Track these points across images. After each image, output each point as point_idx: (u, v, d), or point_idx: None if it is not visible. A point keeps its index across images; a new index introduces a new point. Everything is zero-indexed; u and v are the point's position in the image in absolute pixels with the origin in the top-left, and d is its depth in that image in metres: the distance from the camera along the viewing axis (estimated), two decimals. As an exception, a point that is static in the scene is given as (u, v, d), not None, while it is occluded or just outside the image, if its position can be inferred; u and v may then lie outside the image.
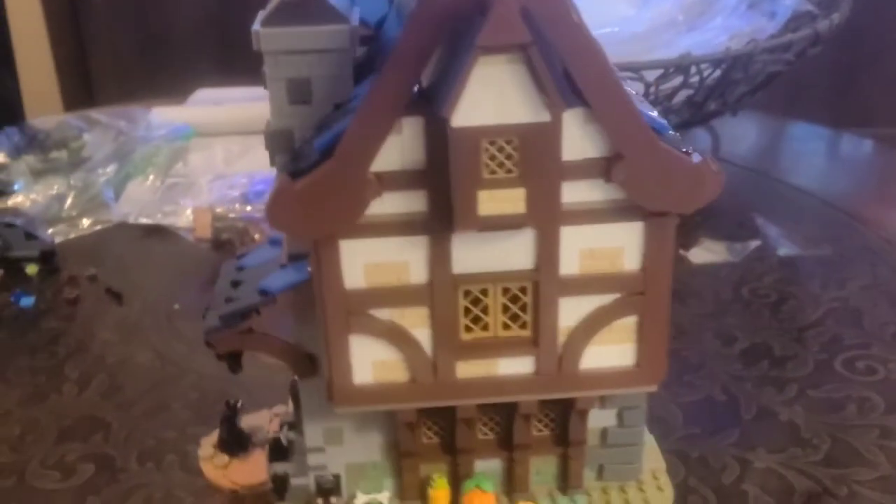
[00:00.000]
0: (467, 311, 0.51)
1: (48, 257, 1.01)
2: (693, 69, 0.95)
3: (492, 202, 0.46)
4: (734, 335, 0.82)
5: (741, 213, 1.07)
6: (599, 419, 0.56)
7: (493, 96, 0.44)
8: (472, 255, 0.49)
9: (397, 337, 0.51)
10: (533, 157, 0.45)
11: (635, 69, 0.92)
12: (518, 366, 0.52)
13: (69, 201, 1.14)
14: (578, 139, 0.47)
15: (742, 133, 1.34)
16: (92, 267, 0.99)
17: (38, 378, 0.80)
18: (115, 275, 0.98)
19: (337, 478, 0.58)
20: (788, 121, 1.45)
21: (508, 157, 0.45)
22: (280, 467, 0.59)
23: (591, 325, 0.51)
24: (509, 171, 0.46)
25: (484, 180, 0.46)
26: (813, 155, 1.34)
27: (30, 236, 1.02)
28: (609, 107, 0.46)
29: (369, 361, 0.52)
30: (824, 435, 0.69)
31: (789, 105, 1.25)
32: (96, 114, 1.35)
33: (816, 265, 0.95)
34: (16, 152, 1.24)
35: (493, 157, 0.45)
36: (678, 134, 0.50)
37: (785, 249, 0.98)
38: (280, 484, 0.60)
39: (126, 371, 0.81)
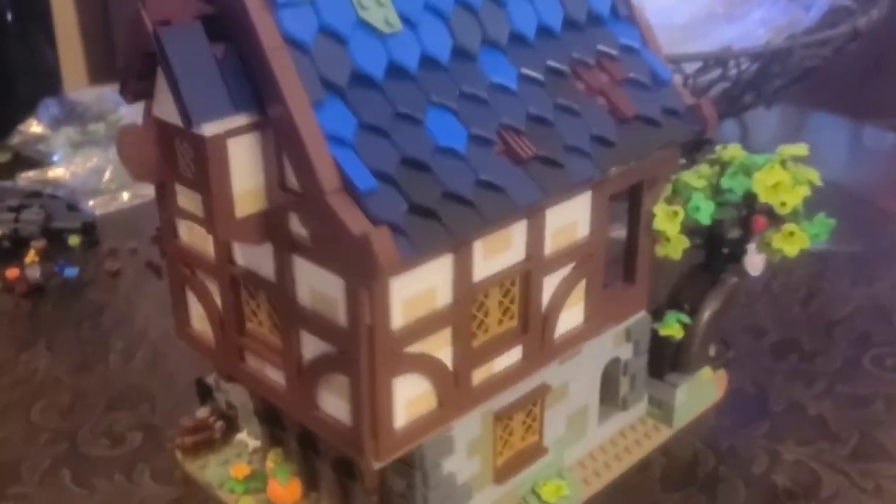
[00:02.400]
0: (247, 303, 0.54)
1: (89, 229, 1.03)
2: (732, 62, 0.95)
3: (185, 198, 0.48)
4: (764, 328, 0.84)
5: (771, 206, 1.08)
6: (395, 480, 0.55)
7: (170, 98, 0.45)
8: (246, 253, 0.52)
9: (205, 297, 0.55)
10: (201, 167, 0.45)
11: (675, 61, 0.92)
12: (274, 372, 0.53)
13: (107, 175, 1.16)
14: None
15: (764, 122, 1.34)
16: (132, 240, 1.01)
17: (85, 348, 0.83)
18: (154, 249, 1.00)
19: (235, 409, 0.64)
20: (809, 110, 1.44)
21: (192, 159, 0.46)
22: (210, 378, 0.67)
23: (318, 366, 0.50)
24: (193, 173, 0.47)
25: (180, 175, 0.48)
26: (836, 146, 1.34)
27: (72, 208, 1.04)
28: (284, 139, 0.44)
29: (197, 313, 0.58)
30: (852, 430, 0.70)
31: (809, 94, 1.24)
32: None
33: (846, 261, 0.95)
34: (55, 124, 1.26)
35: (183, 156, 0.47)
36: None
37: (815, 244, 0.98)
38: (202, 390, 0.67)
39: (168, 344, 0.83)
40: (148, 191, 1.12)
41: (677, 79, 0.94)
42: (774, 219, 0.63)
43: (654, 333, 0.67)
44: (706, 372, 0.71)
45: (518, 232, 0.52)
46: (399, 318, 0.47)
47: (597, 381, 0.65)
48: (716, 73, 0.96)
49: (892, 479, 0.65)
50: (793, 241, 0.64)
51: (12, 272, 0.94)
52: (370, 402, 0.47)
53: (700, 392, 0.72)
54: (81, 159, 1.19)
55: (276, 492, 0.59)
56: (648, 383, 0.69)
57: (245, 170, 0.46)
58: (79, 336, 0.85)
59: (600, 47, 0.58)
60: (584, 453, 0.66)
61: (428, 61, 0.49)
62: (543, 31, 0.56)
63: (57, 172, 1.16)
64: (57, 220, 1.03)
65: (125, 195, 1.12)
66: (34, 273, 0.93)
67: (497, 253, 0.52)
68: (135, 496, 0.64)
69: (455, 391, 0.52)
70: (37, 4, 1.33)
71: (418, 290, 0.48)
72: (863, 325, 0.84)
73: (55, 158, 1.21)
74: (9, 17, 1.29)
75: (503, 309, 0.54)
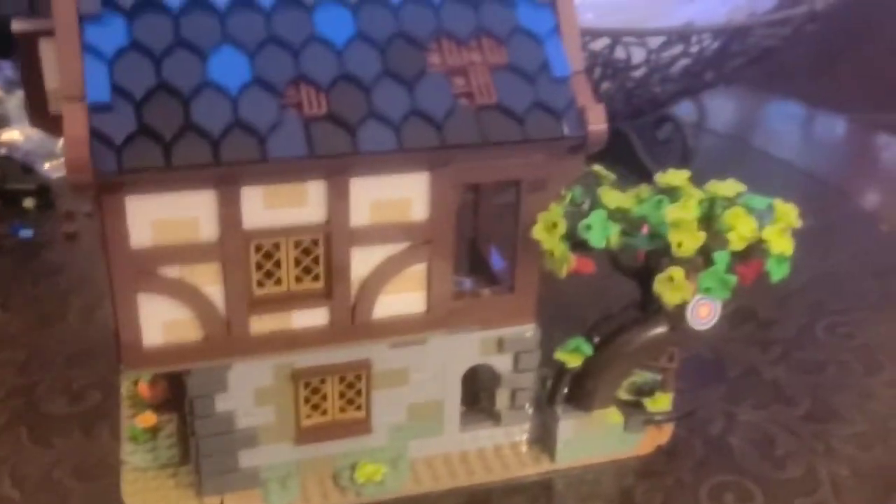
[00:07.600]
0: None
1: (44, 192, 1.01)
2: (693, 39, 0.97)
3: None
4: (721, 298, 0.85)
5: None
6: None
7: None
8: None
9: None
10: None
11: (639, 35, 0.93)
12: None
13: (62, 140, 1.14)
14: None
15: (721, 106, 1.37)
16: (88, 204, 1.00)
17: (43, 307, 0.81)
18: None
19: None
20: (765, 97, 1.47)
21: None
22: None
23: None
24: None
25: None
26: (791, 131, 1.38)
27: (27, 170, 1.02)
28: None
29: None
30: (805, 394, 0.72)
31: (767, 81, 1.27)
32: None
33: (801, 235, 0.98)
34: (9, 87, 1.23)
35: None
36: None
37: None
38: None
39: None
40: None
41: (641, 53, 0.96)
42: (671, 259, 0.54)
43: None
44: (613, 416, 0.63)
45: (315, 191, 0.51)
46: (146, 237, 0.49)
47: (454, 382, 0.61)
48: (678, 48, 0.97)
49: (843, 439, 0.68)
50: (673, 289, 0.54)
51: (-36, 232, 0.92)
52: (113, 312, 0.50)
53: (603, 436, 0.63)
54: (36, 123, 1.16)
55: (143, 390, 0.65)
56: (541, 408, 0.64)
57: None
58: (36, 295, 0.83)
59: (486, 25, 0.53)
60: (437, 452, 0.63)
61: (245, 1, 0.49)
62: None
63: (11, 135, 1.13)
64: (11, 182, 1.00)
65: (82, 158, 1.10)
66: (-13, 233, 0.91)
67: (285, 206, 0.51)
68: (94, 453, 0.64)
69: (225, 331, 0.53)
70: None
71: (174, 216, 0.49)
72: (816, 296, 0.86)
73: (8, 121, 1.18)
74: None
75: (303, 267, 0.53)
